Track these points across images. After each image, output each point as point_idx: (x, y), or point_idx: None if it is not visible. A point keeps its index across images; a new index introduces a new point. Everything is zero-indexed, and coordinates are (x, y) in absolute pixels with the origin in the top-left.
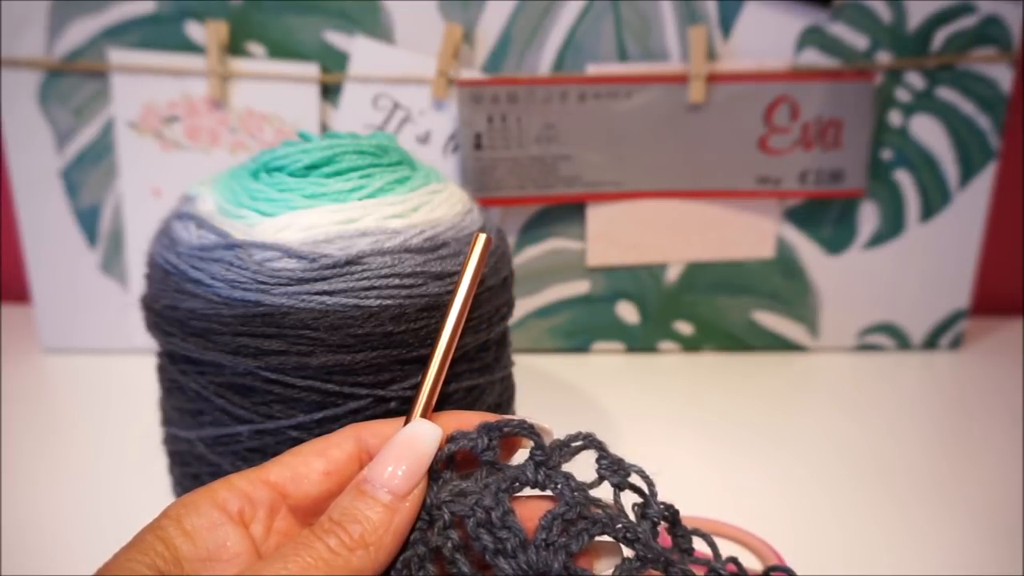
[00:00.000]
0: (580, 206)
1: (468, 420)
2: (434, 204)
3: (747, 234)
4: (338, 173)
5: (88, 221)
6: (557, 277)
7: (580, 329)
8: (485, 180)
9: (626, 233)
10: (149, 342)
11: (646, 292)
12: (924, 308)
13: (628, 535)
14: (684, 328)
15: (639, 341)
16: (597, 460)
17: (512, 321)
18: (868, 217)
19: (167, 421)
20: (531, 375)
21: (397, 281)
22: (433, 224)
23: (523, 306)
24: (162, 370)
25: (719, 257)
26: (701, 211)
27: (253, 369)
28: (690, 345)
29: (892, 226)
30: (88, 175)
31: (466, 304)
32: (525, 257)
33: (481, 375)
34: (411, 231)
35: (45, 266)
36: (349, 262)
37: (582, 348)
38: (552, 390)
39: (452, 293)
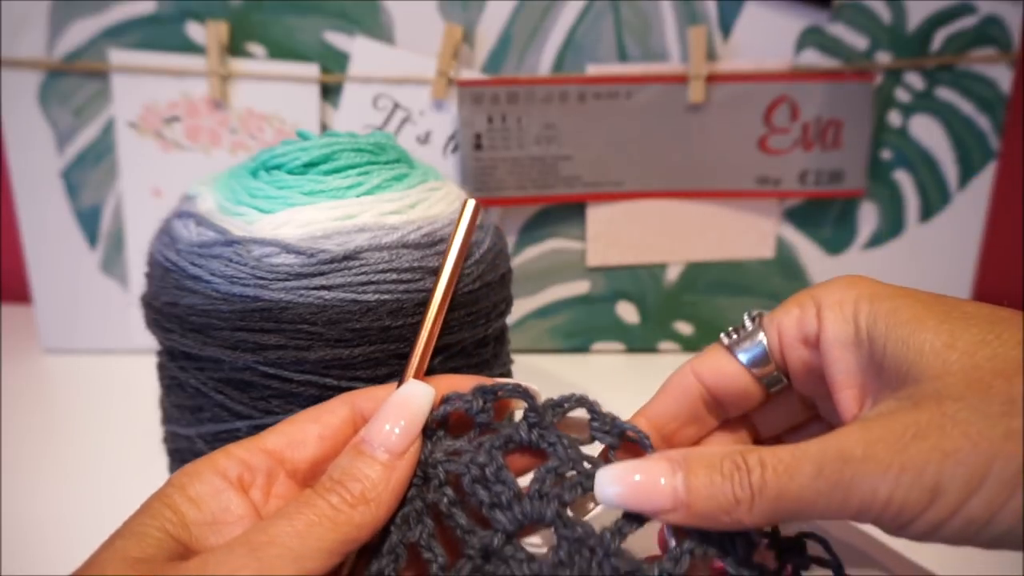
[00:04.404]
0: (580, 206)
1: (460, 383)
2: (432, 201)
3: (747, 234)
4: (336, 170)
5: (88, 221)
6: (557, 277)
7: (580, 329)
8: (485, 180)
9: (626, 233)
10: (149, 342)
11: (646, 292)
12: None
13: None
14: (684, 328)
15: (639, 341)
16: (590, 420)
17: (512, 321)
18: (868, 217)
19: (167, 419)
20: (531, 375)
21: (395, 276)
22: (431, 220)
23: (523, 306)
24: (162, 368)
25: (719, 257)
26: (701, 211)
27: (251, 364)
28: (690, 345)
29: (892, 226)
30: (88, 175)
31: (456, 269)
32: (525, 257)
33: (479, 371)
34: (408, 227)
35: (45, 266)
36: (347, 257)
37: (582, 348)
38: (552, 390)
39: (442, 258)
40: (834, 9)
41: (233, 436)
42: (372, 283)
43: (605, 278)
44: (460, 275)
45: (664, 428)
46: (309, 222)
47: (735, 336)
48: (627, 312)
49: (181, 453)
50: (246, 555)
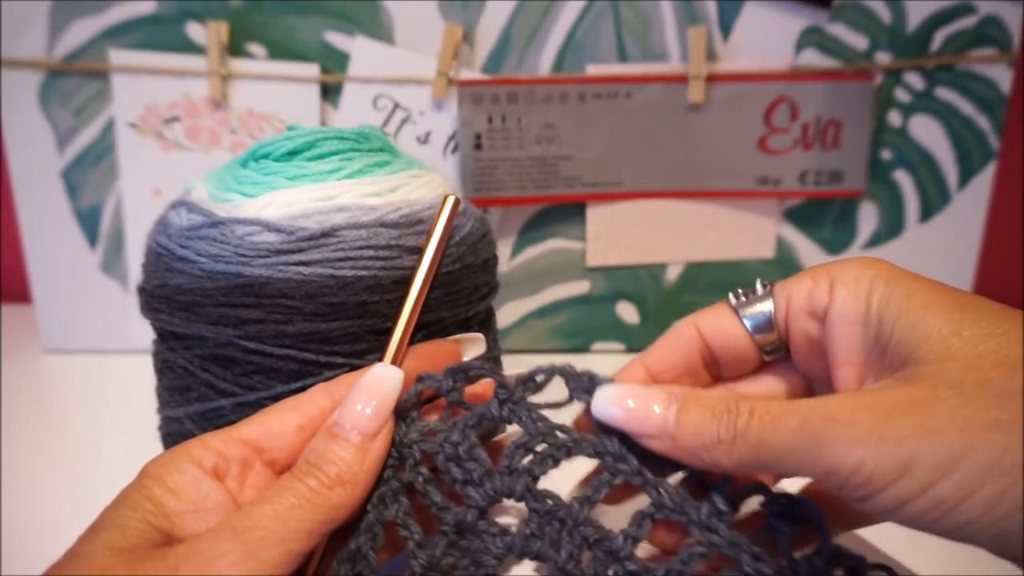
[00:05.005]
0: (580, 206)
1: (438, 348)
2: (413, 187)
3: (747, 234)
4: (319, 157)
5: (89, 221)
6: (557, 277)
7: (580, 329)
8: (485, 180)
9: (626, 233)
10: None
11: (646, 292)
12: None
13: (597, 449)
14: None
15: (639, 341)
16: (566, 383)
17: (512, 321)
18: (868, 217)
19: (161, 404)
20: None
21: (371, 253)
22: (411, 203)
23: (523, 306)
24: (156, 354)
25: (719, 257)
26: (701, 211)
27: (233, 339)
28: None
29: (892, 226)
30: (89, 175)
31: (434, 263)
32: (525, 257)
33: None
34: (387, 207)
35: (45, 266)
36: (325, 234)
37: (582, 348)
38: (552, 390)
39: (420, 254)
40: (834, 9)
41: (218, 414)
42: (349, 259)
43: (605, 278)
44: (441, 258)
45: (660, 376)
46: (291, 203)
47: (744, 299)
48: (627, 312)
49: (173, 437)
50: (231, 539)
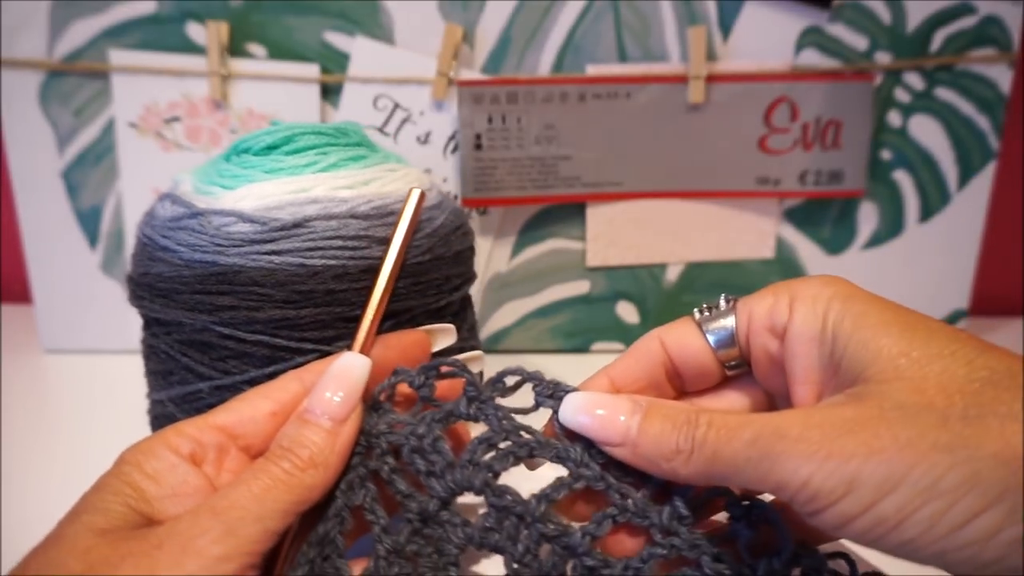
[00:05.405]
0: (580, 206)
1: (405, 338)
2: (387, 180)
3: (747, 234)
4: (296, 151)
5: (89, 222)
6: (557, 277)
7: (580, 329)
8: (485, 180)
9: (626, 233)
10: None
11: (646, 292)
12: (924, 308)
13: (560, 455)
14: None
15: None
16: (533, 388)
17: (512, 321)
18: (867, 217)
19: (149, 389)
20: None
21: (340, 243)
22: (383, 196)
23: (523, 306)
24: (143, 340)
25: (719, 257)
26: (701, 211)
27: (209, 325)
28: None
29: (891, 226)
30: (89, 176)
31: (401, 252)
32: (525, 257)
33: None
34: (359, 200)
35: (45, 266)
36: (297, 225)
37: (582, 348)
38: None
39: (387, 243)
40: (834, 9)
41: (197, 397)
42: (319, 249)
43: (605, 278)
44: (409, 249)
45: (625, 389)
46: (266, 195)
47: (707, 313)
48: (627, 312)
49: (159, 420)
50: (211, 519)
